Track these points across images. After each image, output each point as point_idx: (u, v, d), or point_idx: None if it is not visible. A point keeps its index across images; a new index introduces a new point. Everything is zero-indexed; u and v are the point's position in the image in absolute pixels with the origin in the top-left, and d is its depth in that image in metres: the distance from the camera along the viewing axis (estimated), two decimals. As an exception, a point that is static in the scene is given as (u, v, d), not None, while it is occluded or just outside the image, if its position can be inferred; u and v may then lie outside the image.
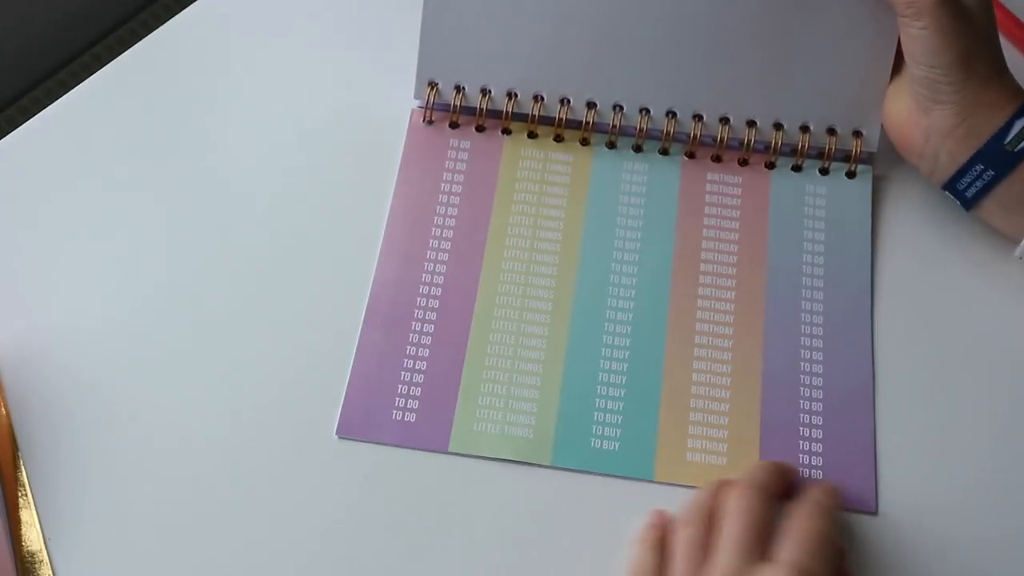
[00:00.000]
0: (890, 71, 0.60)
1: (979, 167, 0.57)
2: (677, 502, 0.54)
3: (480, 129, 0.63)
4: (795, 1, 0.60)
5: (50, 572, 0.52)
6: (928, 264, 0.61)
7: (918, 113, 0.58)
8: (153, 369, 0.57)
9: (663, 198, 0.61)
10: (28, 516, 0.53)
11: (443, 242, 0.60)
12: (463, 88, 0.62)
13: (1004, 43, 0.66)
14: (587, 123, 0.62)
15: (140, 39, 0.66)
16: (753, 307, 0.59)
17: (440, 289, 0.59)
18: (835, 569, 0.51)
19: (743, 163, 0.62)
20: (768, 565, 0.49)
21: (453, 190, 0.61)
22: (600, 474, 0.55)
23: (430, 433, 0.55)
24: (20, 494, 0.54)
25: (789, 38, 0.60)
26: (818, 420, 0.57)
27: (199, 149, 0.63)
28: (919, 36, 0.56)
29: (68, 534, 0.53)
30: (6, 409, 0.56)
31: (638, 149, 0.62)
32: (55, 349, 0.57)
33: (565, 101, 0.62)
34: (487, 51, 0.61)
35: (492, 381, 0.57)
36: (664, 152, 0.62)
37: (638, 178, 0.62)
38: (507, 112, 0.62)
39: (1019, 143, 0.56)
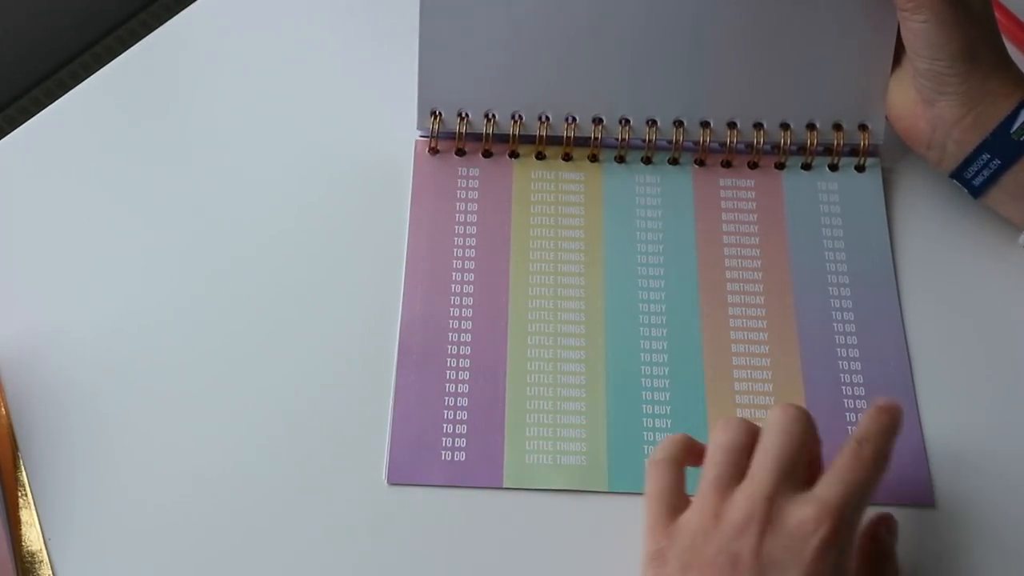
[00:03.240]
0: (891, 64, 0.60)
1: (986, 156, 0.57)
2: None
3: (487, 155, 0.62)
4: (791, 0, 0.60)
5: (50, 572, 0.52)
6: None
7: (923, 104, 0.58)
8: (154, 370, 0.57)
9: (679, 208, 0.61)
10: (28, 516, 0.53)
11: (466, 273, 0.59)
12: (466, 115, 0.61)
13: (1005, 43, 0.66)
14: (595, 139, 0.61)
15: (140, 39, 0.66)
16: (783, 311, 0.59)
17: (470, 322, 0.58)
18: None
19: (753, 166, 0.62)
20: (807, 501, 0.46)
21: (468, 219, 0.60)
22: None
23: (482, 470, 0.54)
24: (20, 494, 0.54)
25: (788, 37, 0.60)
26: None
27: (201, 149, 0.63)
28: (920, 30, 0.56)
29: (68, 534, 0.53)
30: (6, 409, 0.56)
31: (648, 161, 0.62)
32: (55, 350, 0.57)
33: (570, 119, 0.61)
34: (487, 75, 0.60)
35: (537, 411, 0.56)
36: (674, 162, 0.62)
37: (651, 190, 0.61)
38: (513, 135, 0.61)
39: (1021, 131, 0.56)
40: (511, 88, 0.61)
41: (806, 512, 0.46)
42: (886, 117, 0.61)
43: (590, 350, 0.57)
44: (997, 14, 0.66)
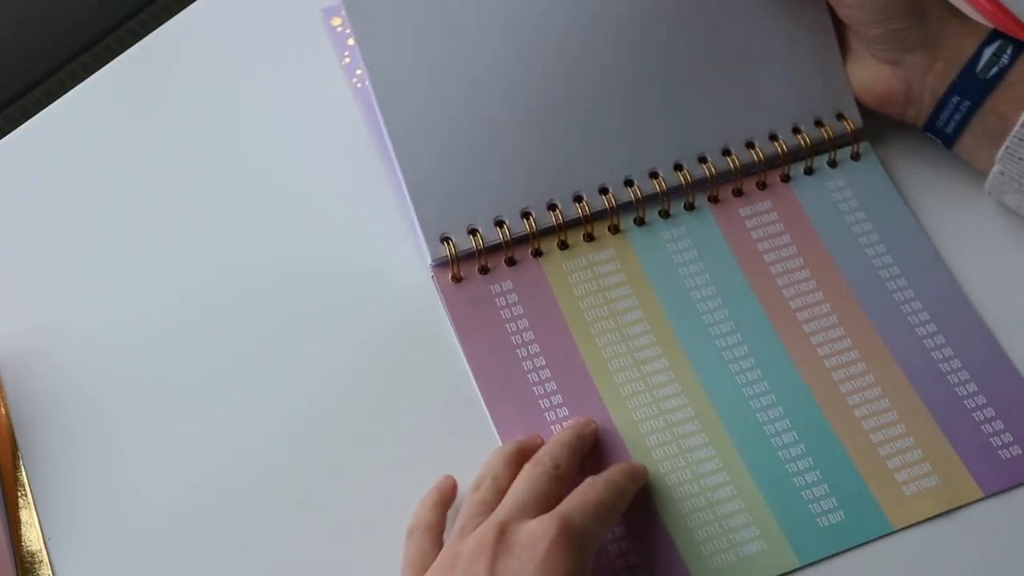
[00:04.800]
0: (837, 49, 0.62)
1: (955, 99, 0.58)
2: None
3: (511, 262, 0.59)
4: (727, 27, 0.61)
5: (50, 572, 0.52)
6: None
7: (891, 67, 0.59)
8: (154, 370, 0.57)
9: (716, 252, 0.60)
10: (28, 516, 0.53)
11: (548, 389, 0.56)
12: (477, 230, 0.58)
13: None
14: (610, 208, 0.59)
15: (140, 39, 0.66)
16: (858, 321, 0.58)
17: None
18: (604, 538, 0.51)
19: (762, 186, 0.62)
20: (538, 519, 0.48)
21: (526, 337, 0.57)
22: (846, 551, 0.53)
23: None
24: (20, 494, 0.54)
25: (741, 59, 0.61)
26: (981, 400, 0.57)
27: (201, 149, 0.63)
28: (859, 5, 0.58)
29: (68, 534, 0.53)
30: (6, 409, 0.56)
31: (666, 215, 0.60)
32: (55, 349, 0.57)
33: (579, 198, 0.59)
34: (483, 185, 0.59)
35: (694, 511, 0.54)
36: (690, 207, 0.61)
37: (683, 243, 0.60)
38: (532, 232, 0.58)
39: (990, 69, 0.57)
40: (510, 188, 0.59)
41: (534, 525, 0.48)
42: (856, 99, 0.62)
43: (709, 429, 0.55)
44: (997, 14, 0.67)
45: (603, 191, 0.59)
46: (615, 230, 0.60)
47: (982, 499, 0.55)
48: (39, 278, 0.59)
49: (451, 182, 0.58)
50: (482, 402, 0.56)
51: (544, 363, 0.57)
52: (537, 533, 0.47)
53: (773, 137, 0.61)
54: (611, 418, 0.55)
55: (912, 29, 0.57)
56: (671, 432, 0.55)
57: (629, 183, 0.60)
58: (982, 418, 0.56)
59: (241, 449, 0.55)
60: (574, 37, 0.61)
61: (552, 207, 0.59)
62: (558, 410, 0.55)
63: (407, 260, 0.59)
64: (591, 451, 0.54)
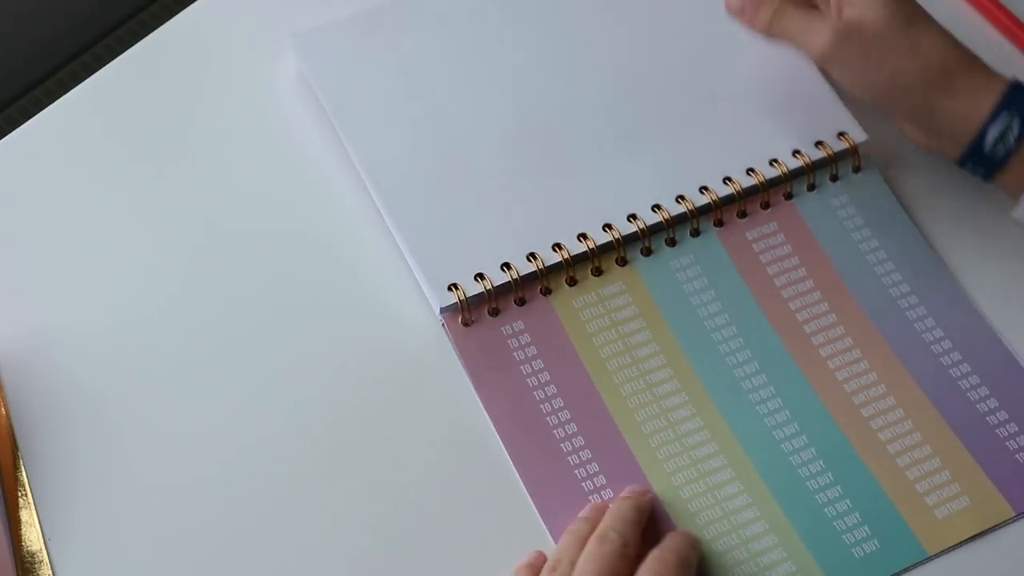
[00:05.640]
0: (818, 70, 0.62)
1: (970, 165, 0.57)
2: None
3: (521, 302, 0.58)
4: (719, 67, 0.63)
5: (50, 572, 0.52)
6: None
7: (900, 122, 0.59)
8: (154, 370, 0.57)
9: (725, 278, 0.59)
10: (28, 516, 0.53)
11: (570, 431, 0.55)
12: (483, 274, 0.57)
13: (1005, 43, 0.66)
14: (616, 241, 0.59)
15: (140, 39, 0.66)
16: (872, 339, 0.58)
17: (603, 477, 0.54)
18: None
19: (765, 206, 0.61)
20: None
21: (542, 379, 0.56)
22: None
23: None
24: (20, 494, 0.54)
25: (733, 95, 0.63)
26: (1003, 415, 0.56)
27: (201, 149, 0.63)
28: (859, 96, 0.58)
29: (68, 534, 0.53)
30: (6, 409, 0.56)
31: (672, 243, 0.60)
32: (55, 349, 0.57)
33: (583, 236, 0.59)
34: (481, 231, 0.59)
35: (728, 550, 0.53)
36: (695, 233, 0.60)
37: (692, 271, 0.59)
38: (540, 270, 0.58)
39: (998, 148, 0.55)
40: (511, 232, 0.59)
41: None
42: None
43: (735, 464, 0.55)
44: (997, 14, 0.67)
45: (607, 227, 0.59)
46: (623, 262, 0.59)
47: (1014, 518, 0.54)
48: (39, 278, 0.59)
49: (449, 232, 0.58)
50: (501, 444, 0.55)
51: (562, 404, 0.56)
52: None
53: (773, 162, 0.61)
54: (630, 449, 0.55)
55: (893, 112, 0.58)
56: (696, 467, 0.54)
57: (632, 217, 0.59)
58: (1006, 434, 0.56)
59: (242, 449, 0.55)
60: (563, 80, 0.63)
61: (557, 246, 0.58)
62: (581, 453, 0.55)
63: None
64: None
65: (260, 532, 0.53)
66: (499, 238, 0.58)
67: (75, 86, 0.65)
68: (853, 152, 0.62)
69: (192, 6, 0.68)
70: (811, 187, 0.62)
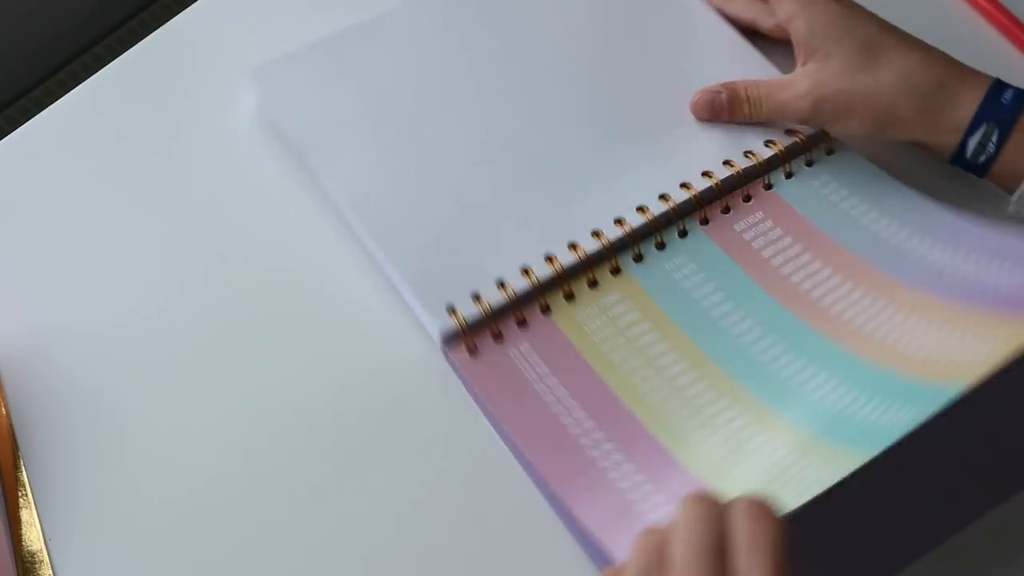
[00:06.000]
0: (776, 69, 0.63)
1: (960, 168, 0.58)
2: None
3: (522, 324, 0.56)
4: (668, 63, 0.64)
5: (50, 572, 0.52)
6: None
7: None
8: (154, 370, 0.57)
9: (724, 271, 0.58)
10: (28, 516, 0.53)
11: (612, 454, 0.53)
12: (480, 295, 0.56)
13: (1005, 44, 0.66)
14: (605, 248, 0.58)
15: (140, 39, 0.67)
16: (895, 290, 0.55)
17: (653, 486, 0.51)
18: None
19: (747, 199, 0.61)
20: None
21: (561, 400, 0.54)
22: None
23: None
24: (20, 494, 0.54)
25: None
26: None
27: (201, 149, 0.63)
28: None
29: (68, 534, 0.53)
30: (6, 409, 0.56)
31: (662, 246, 0.59)
32: (56, 349, 0.57)
33: (573, 246, 0.58)
34: (472, 249, 0.58)
35: None
36: (683, 234, 0.59)
37: (687, 269, 0.58)
38: (536, 286, 0.56)
39: (979, 156, 0.56)
40: (502, 247, 0.58)
41: None
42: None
43: (769, 430, 0.52)
44: (996, 13, 0.67)
45: (596, 234, 0.58)
46: (616, 271, 0.58)
47: None
48: (39, 278, 0.59)
49: (438, 253, 0.57)
50: (520, 470, 0.53)
51: (587, 417, 0.54)
52: None
53: (748, 153, 0.61)
54: (667, 449, 0.53)
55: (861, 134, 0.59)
56: (736, 448, 0.52)
57: (619, 221, 0.59)
58: None
59: (242, 448, 0.55)
60: (532, 91, 0.63)
61: (551, 259, 0.57)
62: (621, 466, 0.52)
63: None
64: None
65: (260, 532, 0.53)
66: (489, 255, 0.57)
67: (75, 86, 0.65)
68: (824, 134, 0.61)
69: (192, 6, 0.68)
70: (789, 175, 0.61)
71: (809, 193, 0.61)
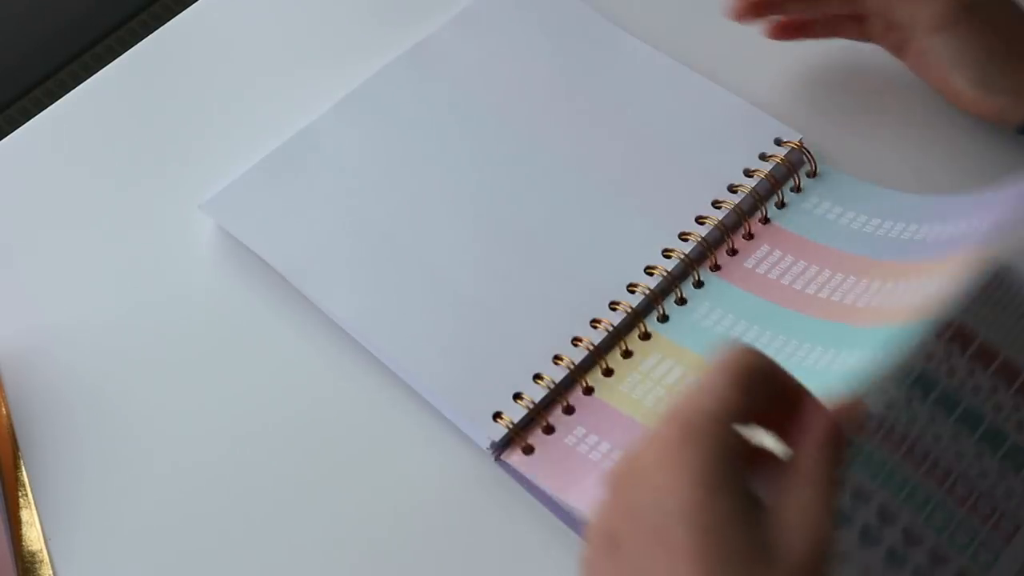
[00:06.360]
0: (732, 95, 0.63)
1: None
2: None
3: (569, 411, 0.55)
4: (632, 121, 0.63)
5: (50, 572, 0.52)
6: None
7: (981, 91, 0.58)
8: (154, 370, 0.57)
9: (752, 308, 0.57)
10: (28, 516, 0.53)
11: None
12: (520, 393, 0.54)
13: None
14: (630, 316, 0.57)
15: (140, 39, 0.67)
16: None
17: None
18: None
19: (749, 236, 0.60)
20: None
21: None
22: None
23: None
24: (20, 494, 0.54)
25: (661, 144, 0.62)
26: None
27: (201, 149, 0.63)
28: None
29: (68, 534, 0.53)
30: (6, 409, 0.56)
31: (682, 301, 0.58)
32: (56, 349, 0.57)
33: (595, 322, 0.56)
34: (495, 349, 0.56)
35: None
36: (699, 285, 0.58)
37: (715, 315, 0.57)
38: (573, 370, 0.55)
39: None
40: (526, 341, 0.56)
41: None
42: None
43: None
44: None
45: (613, 305, 0.57)
46: (646, 336, 0.57)
47: None
48: (40, 277, 0.59)
49: (469, 362, 0.56)
50: None
51: None
52: None
53: (733, 189, 0.60)
54: None
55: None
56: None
57: (632, 287, 0.58)
58: None
59: (242, 448, 0.55)
60: (508, 176, 0.61)
61: (577, 340, 0.56)
62: None
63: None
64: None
65: (260, 531, 0.53)
66: (516, 351, 0.56)
67: (75, 86, 0.65)
68: (800, 149, 0.61)
69: (193, 6, 0.68)
70: (781, 205, 0.61)
71: (805, 216, 0.61)
